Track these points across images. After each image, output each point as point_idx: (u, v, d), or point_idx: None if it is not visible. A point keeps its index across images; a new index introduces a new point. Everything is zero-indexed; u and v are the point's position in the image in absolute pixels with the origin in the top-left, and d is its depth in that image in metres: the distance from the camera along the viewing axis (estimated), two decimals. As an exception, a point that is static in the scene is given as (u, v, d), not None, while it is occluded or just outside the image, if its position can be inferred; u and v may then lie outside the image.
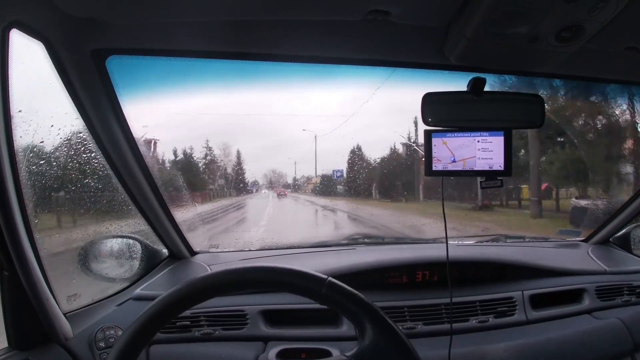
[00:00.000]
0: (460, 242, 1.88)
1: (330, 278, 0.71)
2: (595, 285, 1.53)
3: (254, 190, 8.47)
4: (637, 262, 1.75)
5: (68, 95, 1.03)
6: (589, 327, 1.40)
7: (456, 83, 1.09)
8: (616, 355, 1.37)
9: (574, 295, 1.51)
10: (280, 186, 8.74)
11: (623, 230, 1.86)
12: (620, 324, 1.41)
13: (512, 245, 1.94)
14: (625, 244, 1.86)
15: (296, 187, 8.68)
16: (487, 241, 1.95)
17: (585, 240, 1.95)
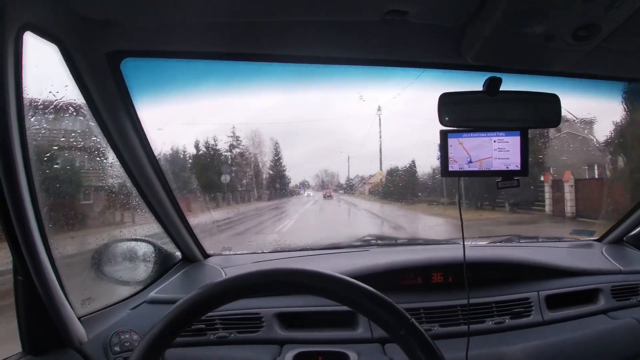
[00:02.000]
0: (474, 243, 1.86)
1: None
2: (611, 285, 1.51)
3: (301, 192, 7.75)
4: (652, 261, 1.73)
5: (82, 98, 1.03)
6: (605, 327, 1.38)
7: (472, 83, 1.08)
8: (633, 355, 1.35)
9: (590, 296, 1.49)
10: (328, 189, 8.08)
11: (637, 229, 1.84)
12: (636, 324, 1.39)
13: (526, 245, 1.92)
14: (639, 243, 1.83)
15: (349, 188, 7.69)
16: (500, 242, 1.94)
17: (599, 240, 1.93)
